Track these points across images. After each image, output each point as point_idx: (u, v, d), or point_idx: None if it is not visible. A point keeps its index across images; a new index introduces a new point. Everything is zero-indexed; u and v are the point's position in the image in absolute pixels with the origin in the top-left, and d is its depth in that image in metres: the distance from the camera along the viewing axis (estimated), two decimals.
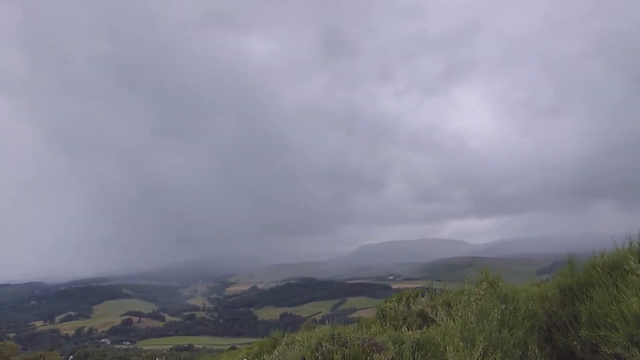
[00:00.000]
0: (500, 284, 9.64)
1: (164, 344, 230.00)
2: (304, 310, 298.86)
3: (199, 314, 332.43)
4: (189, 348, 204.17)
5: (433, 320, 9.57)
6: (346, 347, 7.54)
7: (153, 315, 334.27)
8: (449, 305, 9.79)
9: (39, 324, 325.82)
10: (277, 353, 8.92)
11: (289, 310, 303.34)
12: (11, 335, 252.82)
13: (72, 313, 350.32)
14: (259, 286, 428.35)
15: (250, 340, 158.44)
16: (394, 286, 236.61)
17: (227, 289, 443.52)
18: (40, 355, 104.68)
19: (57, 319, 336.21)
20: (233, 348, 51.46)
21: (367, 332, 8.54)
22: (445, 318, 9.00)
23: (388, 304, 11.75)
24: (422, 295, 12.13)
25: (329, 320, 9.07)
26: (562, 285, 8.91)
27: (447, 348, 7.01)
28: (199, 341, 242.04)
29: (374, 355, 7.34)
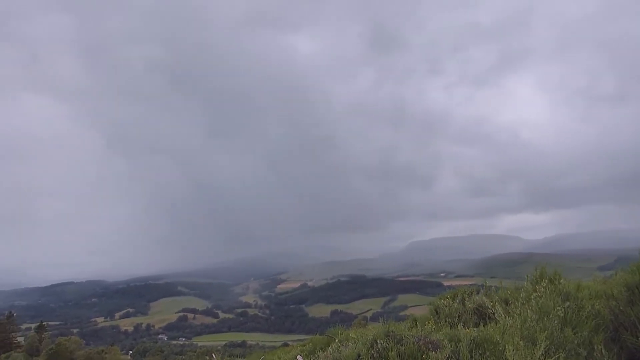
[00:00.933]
0: (561, 280, 9.25)
1: (218, 340, 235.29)
2: (355, 308, 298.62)
3: (251, 311, 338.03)
4: (242, 344, 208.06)
5: (490, 318, 9.30)
6: (401, 345, 7.43)
7: (207, 312, 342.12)
8: (506, 303, 9.48)
9: (100, 320, 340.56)
10: (331, 350, 8.90)
11: (339, 307, 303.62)
12: (75, 330, 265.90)
13: (130, 310, 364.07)
14: (309, 283, 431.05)
15: (302, 337, 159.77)
16: (446, 283, 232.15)
17: (278, 287, 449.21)
18: (102, 350, 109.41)
19: (117, 315, 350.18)
20: (285, 345, 52.03)
21: (421, 330, 8.38)
22: (503, 316, 8.72)
23: (442, 301, 11.52)
24: (477, 293, 11.83)
25: (382, 318, 8.96)
26: (629, 283, 8.43)
27: (507, 347, 6.77)
28: (252, 338, 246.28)
29: (429, 354, 7.20)
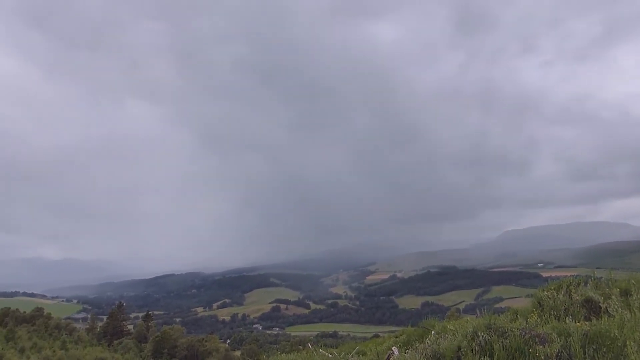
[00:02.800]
0: None
1: (310, 330, 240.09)
2: (446, 299, 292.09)
3: (341, 302, 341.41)
4: (334, 335, 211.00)
5: (603, 312, 8.56)
6: (505, 338, 7.03)
7: (299, 303, 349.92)
8: (627, 294, 8.67)
9: (199, 309, 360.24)
10: (429, 342, 8.63)
11: (429, 299, 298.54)
12: (177, 319, 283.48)
13: (227, 300, 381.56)
14: (399, 275, 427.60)
15: (393, 328, 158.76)
16: (545, 274, 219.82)
17: (367, 278, 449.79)
18: (203, 339, 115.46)
19: (215, 305, 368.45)
20: (376, 336, 51.86)
21: (526, 323, 7.88)
22: (619, 309, 7.98)
23: (545, 292, 10.81)
24: (585, 284, 10.98)
25: (483, 309, 8.54)
26: None
27: (627, 343, 6.17)
28: (343, 328, 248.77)
29: (537, 348, 6.75)
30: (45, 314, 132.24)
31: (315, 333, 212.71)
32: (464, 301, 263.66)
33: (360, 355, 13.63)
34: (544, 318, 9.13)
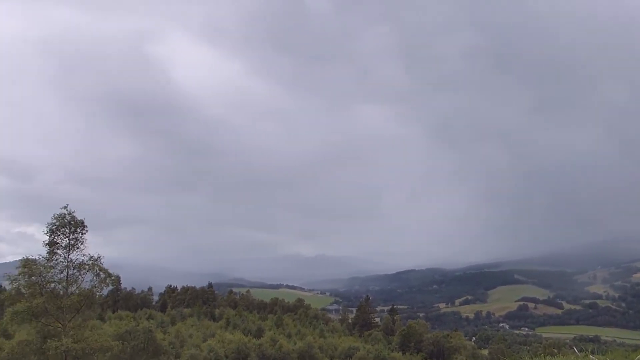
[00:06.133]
0: None
1: (564, 332, 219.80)
2: None
3: (601, 303, 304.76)
4: (595, 339, 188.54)
5: None
6: None
7: (549, 302, 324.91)
8: None
9: (442, 305, 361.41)
10: None
11: None
12: (421, 314, 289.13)
13: (469, 297, 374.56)
14: None
15: None
16: None
17: (634, 276, 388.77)
18: (448, 335, 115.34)
19: (457, 302, 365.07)
20: None
21: None
22: None
23: None
24: None
25: None
26: None
27: None
28: (606, 333, 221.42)
29: None
30: (305, 304, 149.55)
31: (572, 336, 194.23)
32: None
33: None
34: None
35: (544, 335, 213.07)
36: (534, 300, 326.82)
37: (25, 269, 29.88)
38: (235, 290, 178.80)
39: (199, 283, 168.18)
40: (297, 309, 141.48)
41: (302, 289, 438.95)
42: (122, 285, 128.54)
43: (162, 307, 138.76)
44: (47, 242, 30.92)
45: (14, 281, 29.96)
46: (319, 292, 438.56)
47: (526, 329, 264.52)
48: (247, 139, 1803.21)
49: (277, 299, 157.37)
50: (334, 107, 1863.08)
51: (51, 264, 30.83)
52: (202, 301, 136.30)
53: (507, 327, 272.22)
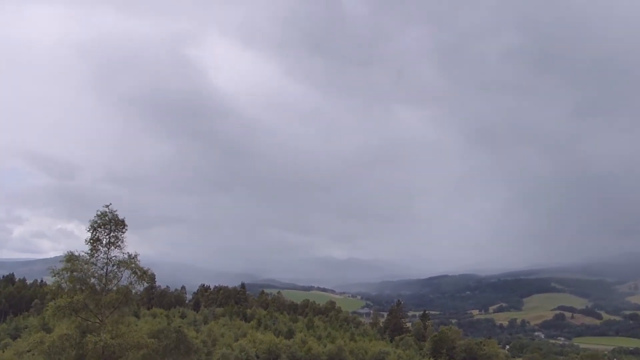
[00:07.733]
0: None
1: (603, 344, 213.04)
2: None
3: None
4: (635, 352, 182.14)
5: None
6: None
7: (587, 312, 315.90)
8: None
9: (475, 312, 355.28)
10: None
11: None
12: (453, 321, 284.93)
13: (503, 304, 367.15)
14: None
15: None
16: None
17: None
18: (481, 342, 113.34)
19: (491, 309, 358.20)
20: None
21: None
22: None
23: None
24: None
25: None
26: None
27: None
28: None
29: None
30: (336, 307, 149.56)
31: (610, 348, 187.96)
32: None
33: None
34: None
35: (582, 345, 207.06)
36: (571, 310, 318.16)
37: (69, 264, 30.83)
38: (266, 291, 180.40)
39: (231, 283, 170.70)
40: (328, 311, 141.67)
41: (333, 291, 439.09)
42: (157, 283, 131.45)
43: (195, 306, 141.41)
44: (89, 239, 31.83)
45: (57, 275, 30.79)
46: (350, 295, 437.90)
47: (562, 338, 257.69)
48: (283, 140, 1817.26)
49: (308, 300, 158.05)
50: (369, 109, 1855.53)
51: (92, 260, 31.74)
52: (235, 301, 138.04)
53: (542, 336, 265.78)
